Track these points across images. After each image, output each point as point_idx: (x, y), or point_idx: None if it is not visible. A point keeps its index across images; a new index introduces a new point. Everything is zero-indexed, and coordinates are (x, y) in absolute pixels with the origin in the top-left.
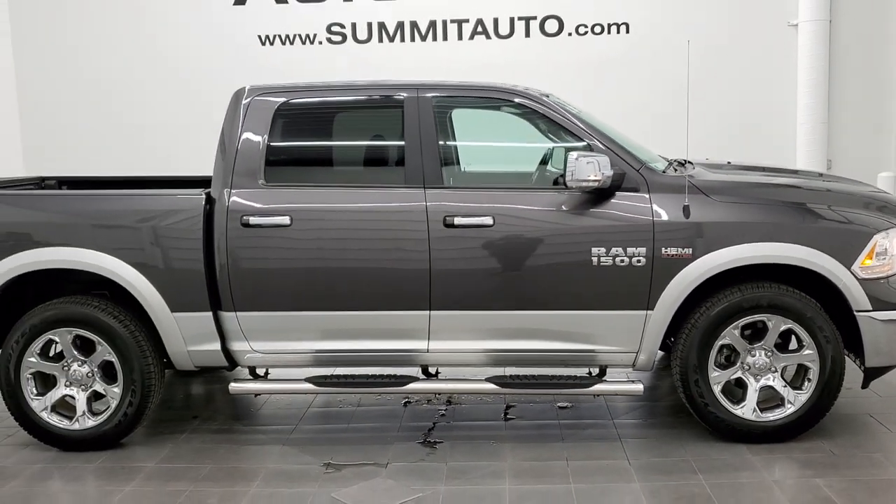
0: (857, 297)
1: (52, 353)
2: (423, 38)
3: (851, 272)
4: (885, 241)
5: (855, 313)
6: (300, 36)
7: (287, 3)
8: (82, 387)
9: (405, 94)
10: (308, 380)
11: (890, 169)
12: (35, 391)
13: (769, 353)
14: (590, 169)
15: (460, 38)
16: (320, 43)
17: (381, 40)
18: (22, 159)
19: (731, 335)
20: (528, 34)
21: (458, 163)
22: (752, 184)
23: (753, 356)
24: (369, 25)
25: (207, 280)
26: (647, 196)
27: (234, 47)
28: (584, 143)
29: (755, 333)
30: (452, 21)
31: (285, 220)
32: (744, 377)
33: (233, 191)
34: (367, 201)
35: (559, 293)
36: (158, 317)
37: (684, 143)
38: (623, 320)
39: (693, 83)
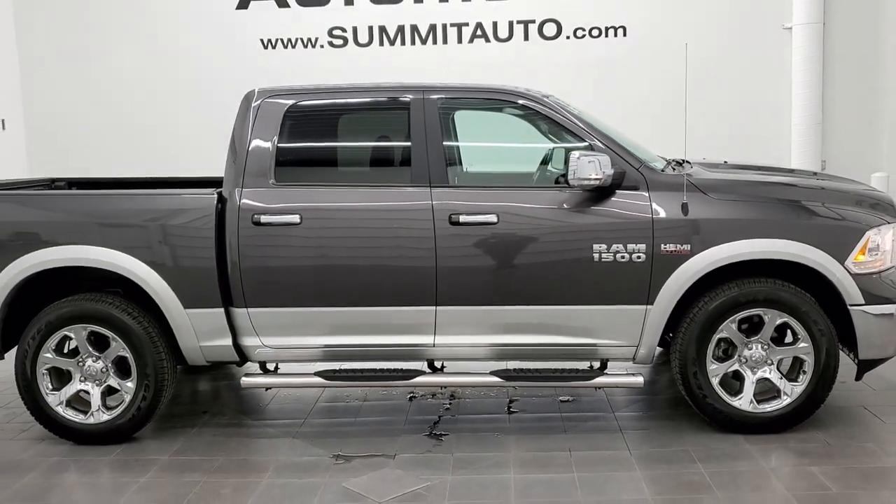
0: (851, 292)
1: (66, 350)
2: (424, 42)
3: (845, 267)
4: (877, 237)
5: (848, 307)
6: (302, 39)
7: (289, 6)
8: (96, 382)
9: (411, 96)
10: (317, 374)
11: (883, 169)
12: (50, 386)
13: (765, 347)
14: (591, 168)
15: (460, 41)
16: (322, 46)
17: (381, 44)
18: (26, 161)
19: (728, 329)
20: (526, 37)
21: (463, 162)
22: (749, 182)
23: (750, 349)
24: (370, 29)
25: (219, 277)
26: (646, 194)
27: (237, 50)
28: (586, 143)
29: (752, 327)
30: (452, 25)
31: (295, 218)
32: (741, 370)
33: (244, 190)
34: (374, 200)
35: (561, 289)
36: (171, 313)
37: (681, 143)
38: (623, 315)
39: (690, 85)
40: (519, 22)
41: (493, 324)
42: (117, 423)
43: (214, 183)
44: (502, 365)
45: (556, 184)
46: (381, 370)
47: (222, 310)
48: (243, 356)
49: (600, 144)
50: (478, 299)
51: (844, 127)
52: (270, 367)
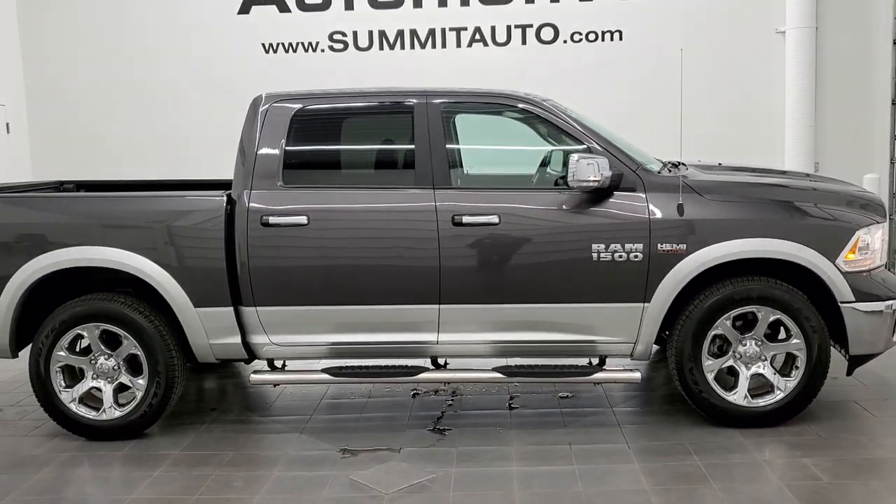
0: (842, 290)
1: (79, 348)
2: (423, 46)
3: (836, 266)
4: (866, 236)
5: (839, 304)
6: (303, 44)
7: (290, 11)
8: (108, 379)
9: (415, 101)
10: (324, 370)
11: (875, 170)
12: (63, 384)
13: (759, 343)
14: (590, 170)
15: (459, 45)
16: (322, 51)
17: (381, 48)
18: (30, 164)
19: (723, 326)
20: (524, 42)
21: (466, 165)
22: (743, 183)
23: (744, 345)
24: (370, 33)
25: (229, 276)
26: (643, 195)
27: (239, 54)
28: (584, 146)
29: (746, 324)
30: (451, 29)
31: (302, 219)
32: (735, 365)
33: (252, 192)
34: (379, 201)
35: (561, 287)
36: (182, 312)
37: (677, 145)
38: (621, 312)
39: (685, 88)
40: (517, 26)
41: (495, 321)
42: (129, 420)
43: (220, 185)
44: (504, 361)
45: (555, 185)
46: (386, 367)
47: (232, 308)
48: (252, 354)
49: (598, 147)
50: (480, 298)
51: (837, 129)
52: (278, 364)
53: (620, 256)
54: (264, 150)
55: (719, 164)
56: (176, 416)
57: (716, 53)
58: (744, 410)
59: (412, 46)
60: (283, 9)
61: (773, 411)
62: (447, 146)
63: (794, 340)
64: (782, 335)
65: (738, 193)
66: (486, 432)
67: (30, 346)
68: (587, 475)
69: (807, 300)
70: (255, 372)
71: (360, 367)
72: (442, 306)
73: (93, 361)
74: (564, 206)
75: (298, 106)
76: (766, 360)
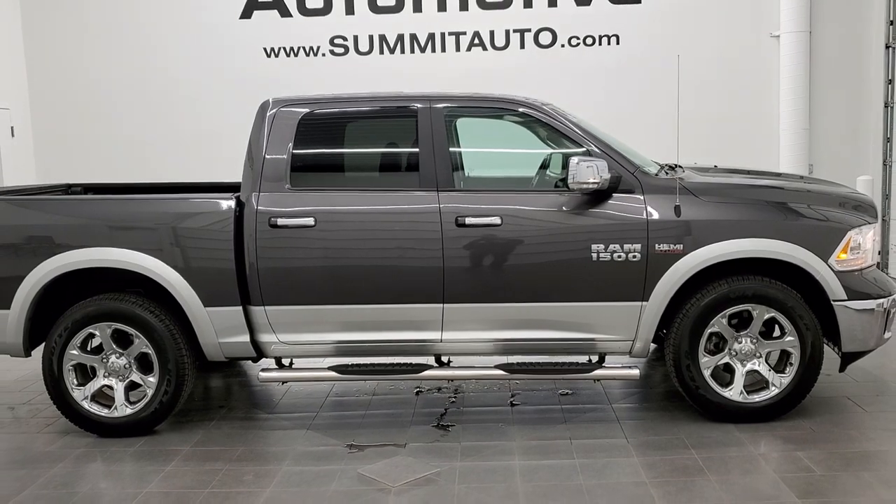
0: (834, 288)
1: (90, 347)
2: (423, 50)
3: (828, 265)
4: (858, 236)
5: (832, 303)
6: (304, 48)
7: (291, 16)
8: (120, 377)
9: (419, 105)
10: (331, 368)
11: (868, 172)
12: (76, 382)
13: (754, 340)
14: (589, 172)
15: (458, 49)
16: (323, 55)
17: (381, 52)
18: (34, 167)
19: (719, 324)
20: (522, 46)
21: (468, 167)
22: (738, 185)
23: (740, 343)
24: (370, 38)
25: (238, 277)
26: (641, 197)
27: (240, 59)
28: (584, 149)
29: (741, 322)
30: (450, 34)
31: (310, 221)
32: (731, 362)
33: (261, 195)
34: (384, 203)
35: (562, 286)
36: (192, 311)
37: (673, 147)
38: (620, 311)
39: (681, 91)
40: (515, 31)
41: (497, 320)
42: (140, 417)
43: (225, 188)
44: (506, 359)
45: (555, 188)
46: (392, 364)
47: (240, 308)
48: (260, 352)
49: (597, 150)
50: (483, 297)
51: (831, 132)
52: (285, 362)
53: (619, 256)
54: (272, 154)
55: (715, 166)
56: (184, 413)
57: (711, 57)
58: (739, 406)
59: (412, 51)
60: (285, 13)
61: (768, 407)
62: (450, 149)
63: (789, 338)
64: (777, 333)
65: (734, 195)
66: (488, 428)
67: (42, 345)
68: (588, 468)
69: (800, 299)
70: (264, 370)
71: (366, 365)
72: (445, 305)
73: (104, 360)
74: (564, 208)
75: (305, 110)
76: (760, 357)
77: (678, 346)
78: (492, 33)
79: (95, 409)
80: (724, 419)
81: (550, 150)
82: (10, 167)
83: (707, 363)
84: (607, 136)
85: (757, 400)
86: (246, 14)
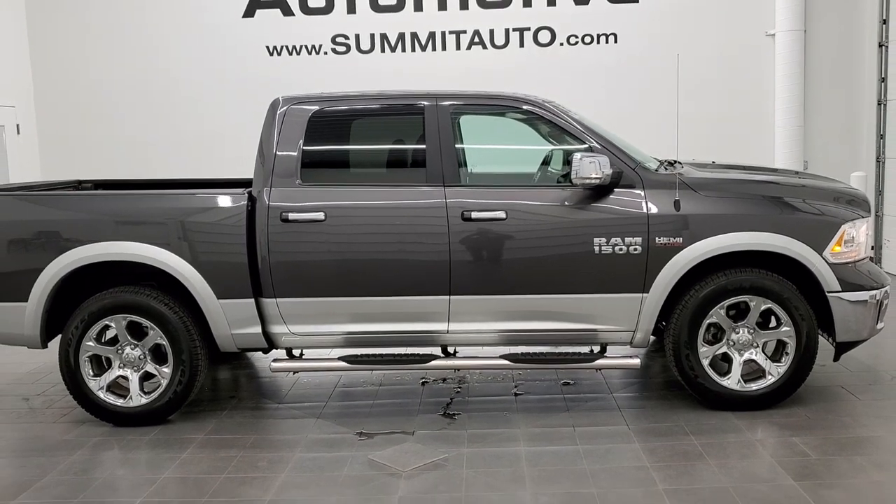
0: (829, 280)
1: (105, 339)
2: (424, 49)
3: (823, 258)
4: (852, 230)
5: (826, 294)
6: (306, 46)
7: (294, 15)
8: (134, 368)
9: (426, 103)
10: (341, 358)
11: (862, 169)
12: (92, 373)
13: (751, 331)
14: (592, 168)
15: (458, 48)
16: (325, 53)
17: (383, 50)
18: (39, 164)
19: (717, 315)
20: (522, 44)
21: (474, 163)
22: (735, 180)
23: (737, 333)
24: (372, 36)
25: (250, 270)
26: (641, 192)
27: (244, 57)
28: (586, 145)
29: (739, 313)
30: (451, 32)
31: (320, 215)
32: (729, 352)
33: (272, 190)
34: (392, 198)
35: (565, 279)
36: (206, 303)
37: (669, 144)
38: (622, 302)
39: (678, 89)
40: (515, 29)
41: (502, 311)
42: (154, 406)
43: (233, 184)
44: (511, 349)
45: (559, 183)
46: (400, 355)
47: (253, 300)
48: (271, 343)
49: (599, 146)
50: (488, 289)
51: (825, 129)
52: (296, 353)
53: (620, 249)
54: (283, 151)
55: (713, 162)
56: (196, 404)
57: (707, 55)
58: (737, 394)
59: (413, 49)
60: (287, 12)
61: (765, 395)
62: (456, 146)
63: (785, 328)
64: (773, 323)
65: (731, 190)
66: (493, 416)
67: (57, 337)
68: (591, 454)
69: (796, 290)
70: (276, 360)
71: (375, 355)
72: (452, 297)
73: (119, 351)
74: (567, 203)
75: (315, 108)
76: (757, 346)
77: (678, 336)
78: (491, 32)
79: (111, 399)
80: (722, 407)
81: (553, 147)
82: (15, 164)
83: (706, 353)
84: (608, 133)
85: (754, 388)
86: (249, 13)
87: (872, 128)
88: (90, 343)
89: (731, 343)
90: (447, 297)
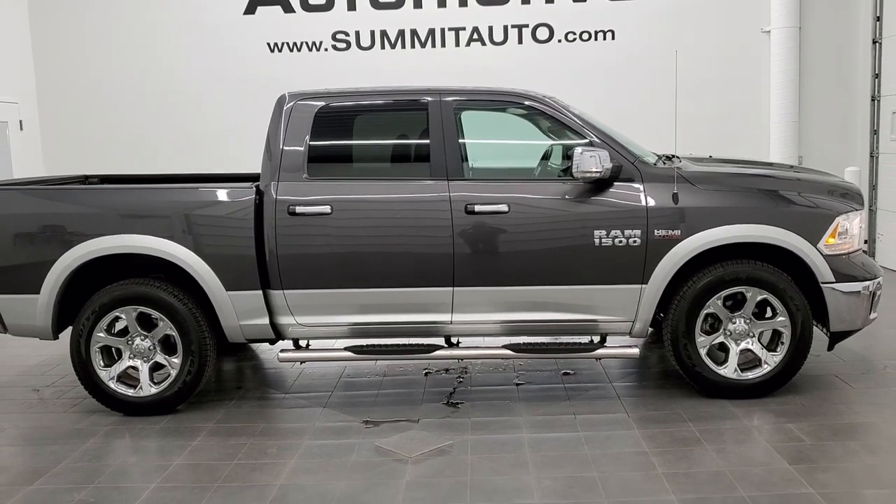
0: (823, 271)
1: (115, 330)
2: (423, 45)
3: (817, 249)
4: (846, 222)
5: (821, 285)
6: (307, 43)
7: (294, 12)
8: (144, 359)
9: (429, 98)
10: (347, 348)
11: (856, 163)
12: (102, 363)
13: (748, 321)
14: (592, 162)
15: (457, 44)
16: (326, 50)
17: (383, 47)
18: (42, 160)
19: (714, 305)
20: (520, 41)
21: (477, 158)
22: (732, 174)
23: (734, 323)
24: (372, 33)
25: (258, 262)
26: (640, 186)
27: (244, 54)
28: (587, 140)
29: (735, 303)
30: (450, 29)
31: (326, 209)
32: (726, 341)
33: (279, 184)
34: (397, 192)
35: (566, 270)
36: (215, 295)
37: (666, 138)
38: (621, 293)
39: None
40: (513, 26)
41: (504, 302)
42: (164, 396)
43: (239, 178)
44: (513, 340)
45: (559, 177)
46: (404, 345)
47: (261, 292)
48: (279, 334)
49: (599, 141)
50: (491, 280)
51: (819, 125)
52: (302, 343)
53: (620, 241)
54: (290, 146)
55: (710, 156)
56: (204, 394)
57: (704, 52)
58: (734, 383)
59: (413, 46)
60: (288, 9)
61: (761, 383)
62: (460, 140)
63: (780, 318)
64: (769, 314)
65: (728, 183)
66: (496, 405)
67: (67, 329)
68: (592, 440)
69: (791, 281)
70: (283, 351)
71: (380, 346)
72: (455, 289)
73: (130, 342)
74: (568, 196)
75: (321, 104)
76: (754, 336)
77: (676, 326)
78: (490, 29)
79: (121, 389)
80: (719, 395)
81: (554, 142)
82: (18, 160)
83: (703, 342)
84: (608, 128)
85: (750, 377)
86: (250, 10)
87: (866, 123)
88: (101, 334)
89: (728, 333)
90: (451, 289)
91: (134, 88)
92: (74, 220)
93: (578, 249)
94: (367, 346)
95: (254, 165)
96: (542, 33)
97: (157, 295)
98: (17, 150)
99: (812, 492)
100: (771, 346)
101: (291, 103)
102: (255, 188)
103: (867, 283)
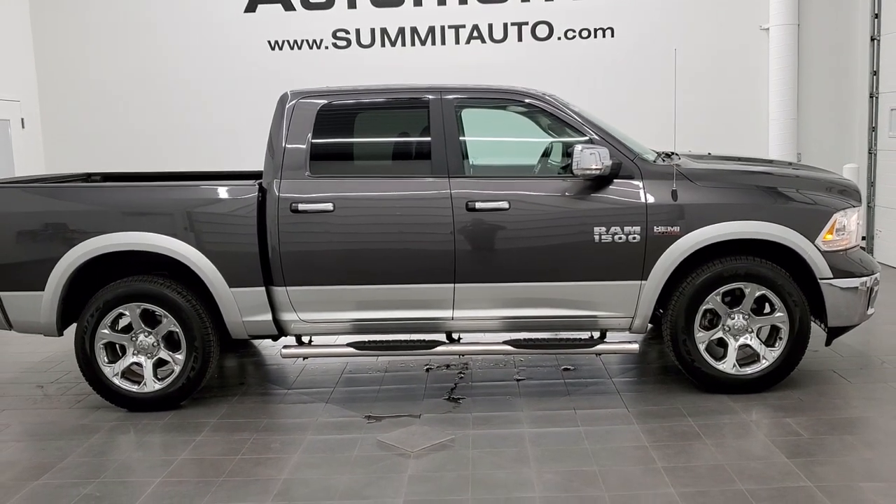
0: (821, 267)
1: (119, 327)
2: (423, 43)
3: (815, 246)
4: (843, 218)
5: (819, 281)
6: (307, 41)
7: (295, 10)
8: (148, 355)
9: (430, 96)
10: (349, 344)
11: (854, 160)
12: (106, 360)
13: (746, 316)
14: (592, 159)
15: (457, 42)
16: (326, 48)
17: (383, 45)
18: (43, 158)
19: (713, 301)
20: (520, 38)
21: (477, 155)
22: (731, 171)
23: (733, 319)
24: (372, 31)
25: (261, 259)
26: (640, 183)
27: (245, 52)
28: (587, 137)
29: (734, 299)
30: (450, 27)
31: (328, 206)
32: (725, 337)
33: (282, 182)
34: (399, 189)
35: (566, 267)
36: (218, 292)
37: (664, 135)
38: (621, 289)
39: (676, 83)
40: (513, 24)
41: (505, 299)
42: (168, 392)
43: (241, 176)
44: (514, 335)
45: (559, 174)
46: (406, 341)
47: (263, 288)
48: (281, 330)
49: (599, 138)
50: (492, 277)
51: (818, 121)
52: (305, 340)
53: (620, 238)
54: (292, 143)
55: (709, 153)
56: (207, 390)
57: (703, 50)
58: (732, 378)
59: (413, 43)
60: (288, 7)
61: (759, 378)
62: (460, 138)
63: (778, 314)
64: (767, 309)
65: (727, 180)
66: (496, 401)
67: (71, 325)
68: (592, 435)
69: (789, 277)
70: (286, 347)
71: (382, 342)
72: (457, 285)
73: (134, 339)
74: (568, 193)
75: (323, 102)
76: (752, 332)
77: (675, 322)
78: (490, 27)
79: (125, 385)
80: (718, 390)
81: (554, 139)
82: (20, 158)
83: (702, 338)
84: (608, 125)
85: (749, 372)
86: (250, 8)
87: (864, 120)
88: (105, 331)
89: (727, 328)
90: (452, 285)
91: (135, 86)
92: (77, 218)
93: (578, 246)
94: (369, 342)
95: (255, 163)
96: (542, 31)
97: (160, 292)
98: (19, 148)
99: (810, 485)
100: (769, 342)
101: (294, 101)
102: (257, 185)
103: (864, 279)
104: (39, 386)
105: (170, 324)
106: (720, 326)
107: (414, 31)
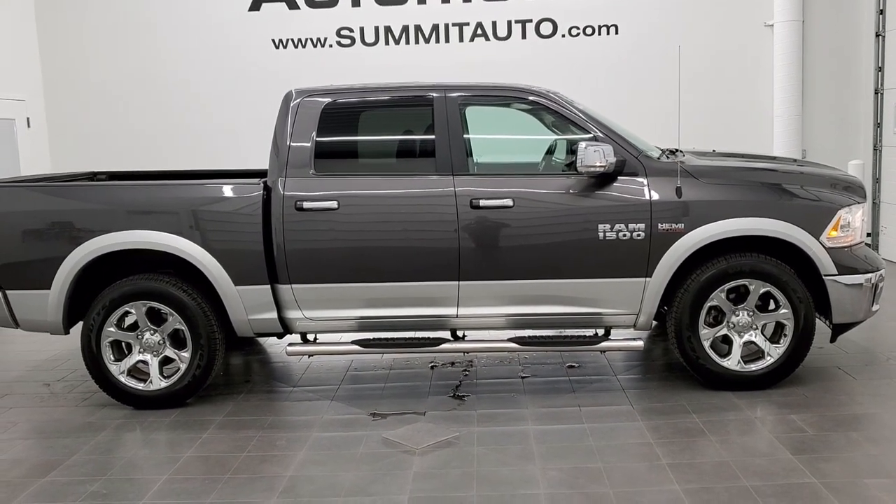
0: (825, 264)
1: (125, 325)
2: (427, 41)
3: (820, 242)
4: (848, 215)
5: (823, 277)
6: (311, 39)
7: (299, 8)
8: (154, 353)
9: (435, 94)
10: (354, 342)
11: (859, 157)
12: (113, 357)
13: (751, 313)
14: (596, 156)
15: (461, 40)
16: (330, 46)
17: (387, 43)
18: (49, 157)
19: (718, 298)
20: (524, 36)
21: (481, 153)
22: (735, 168)
23: (737, 316)
24: (376, 29)
25: (266, 257)
26: (644, 180)
27: (249, 51)
28: (591, 135)
29: (739, 296)
30: (454, 24)
31: (333, 204)
32: (729, 334)
33: (287, 180)
34: (403, 187)
35: (570, 264)
36: (224, 290)
37: (668, 133)
38: (625, 286)
39: (679, 80)
40: (517, 21)
41: (509, 296)
42: (173, 390)
43: (245, 174)
44: (518, 333)
45: (564, 171)
46: (411, 338)
47: (269, 286)
48: (286, 328)
49: (603, 136)
50: (496, 274)
51: (823, 118)
52: (310, 337)
53: (624, 235)
54: (297, 142)
55: (713, 150)
56: (213, 387)
57: (708, 46)
58: (737, 375)
59: (416, 41)
60: (293, 6)
61: (764, 375)
62: (465, 136)
63: (783, 311)
64: (772, 306)
65: (731, 177)
66: (501, 398)
67: (78, 323)
68: (597, 432)
69: (794, 274)
70: (291, 344)
71: (387, 339)
72: (461, 283)
73: (140, 337)
74: (573, 190)
75: (328, 100)
76: (757, 328)
77: (679, 319)
78: (494, 24)
79: (132, 382)
80: (722, 387)
81: (559, 137)
82: (26, 157)
83: (707, 335)
84: (612, 123)
85: (753, 369)
86: (255, 6)
87: (870, 117)
88: (111, 329)
89: (732, 325)
90: (456, 283)
91: (140, 85)
92: (83, 217)
93: (583, 243)
94: (374, 339)
95: (260, 162)
96: (546, 28)
97: (166, 290)
98: (25, 148)
99: (815, 481)
100: (774, 339)
101: (298, 100)
102: (262, 184)
103: (869, 275)
104: (46, 384)
105: (175, 322)
106: (725, 323)
107: (418, 28)
